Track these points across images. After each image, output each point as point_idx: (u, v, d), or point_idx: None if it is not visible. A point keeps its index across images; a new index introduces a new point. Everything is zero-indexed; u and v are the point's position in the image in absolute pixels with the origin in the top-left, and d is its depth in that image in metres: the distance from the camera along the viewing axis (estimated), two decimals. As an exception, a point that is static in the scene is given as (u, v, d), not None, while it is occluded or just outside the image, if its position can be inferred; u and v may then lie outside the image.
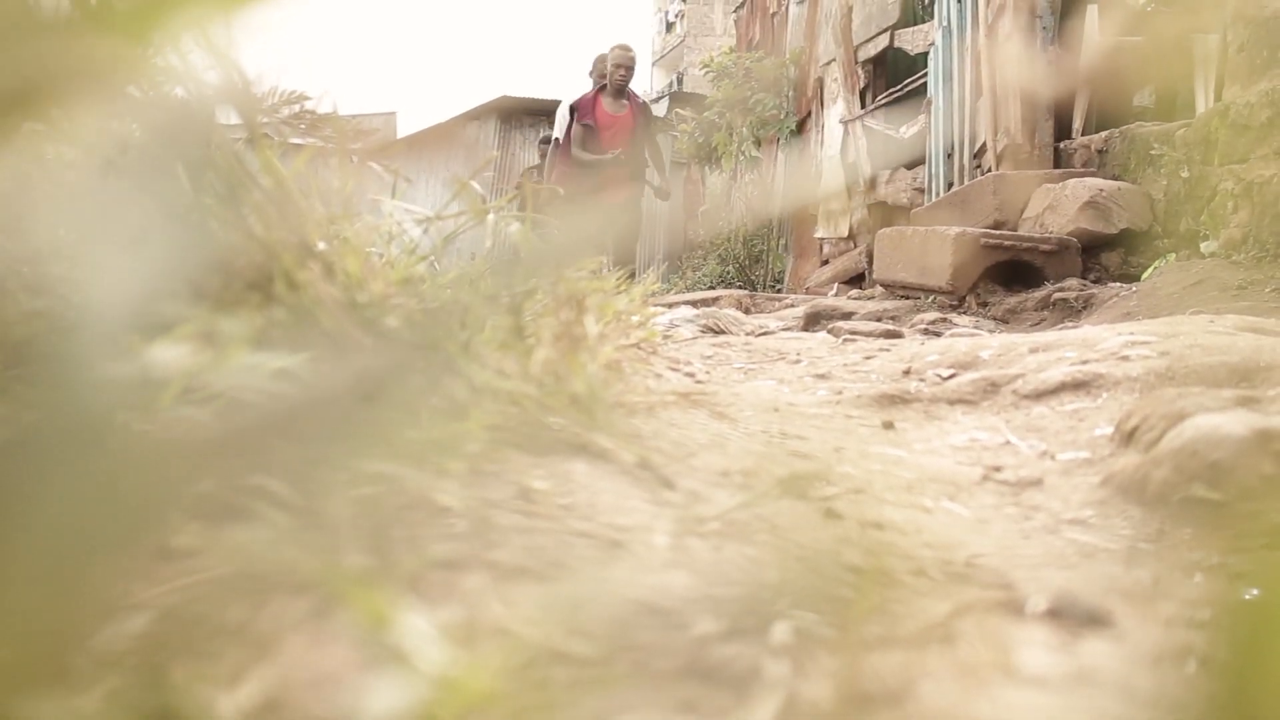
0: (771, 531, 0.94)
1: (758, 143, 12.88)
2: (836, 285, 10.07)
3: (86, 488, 0.48)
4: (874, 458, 1.46)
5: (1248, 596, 0.55)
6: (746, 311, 6.57)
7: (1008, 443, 1.60)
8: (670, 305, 5.51)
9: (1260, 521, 1.06)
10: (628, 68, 8.79)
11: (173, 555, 0.61)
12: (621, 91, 8.78)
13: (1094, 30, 6.86)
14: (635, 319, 2.06)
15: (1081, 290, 5.05)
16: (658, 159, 8.95)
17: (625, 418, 1.31)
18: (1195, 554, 1.02)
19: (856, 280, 9.87)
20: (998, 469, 1.41)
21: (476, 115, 18.65)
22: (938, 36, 8.55)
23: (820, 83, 11.71)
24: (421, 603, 0.59)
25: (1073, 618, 0.75)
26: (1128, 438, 1.42)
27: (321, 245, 1.14)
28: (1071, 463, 1.46)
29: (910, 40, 9.76)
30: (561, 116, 9.45)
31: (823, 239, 11.42)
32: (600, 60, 9.19)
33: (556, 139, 10.38)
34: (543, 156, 11.46)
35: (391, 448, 0.87)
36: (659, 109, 17.07)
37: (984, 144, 7.58)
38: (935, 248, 5.64)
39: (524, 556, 0.67)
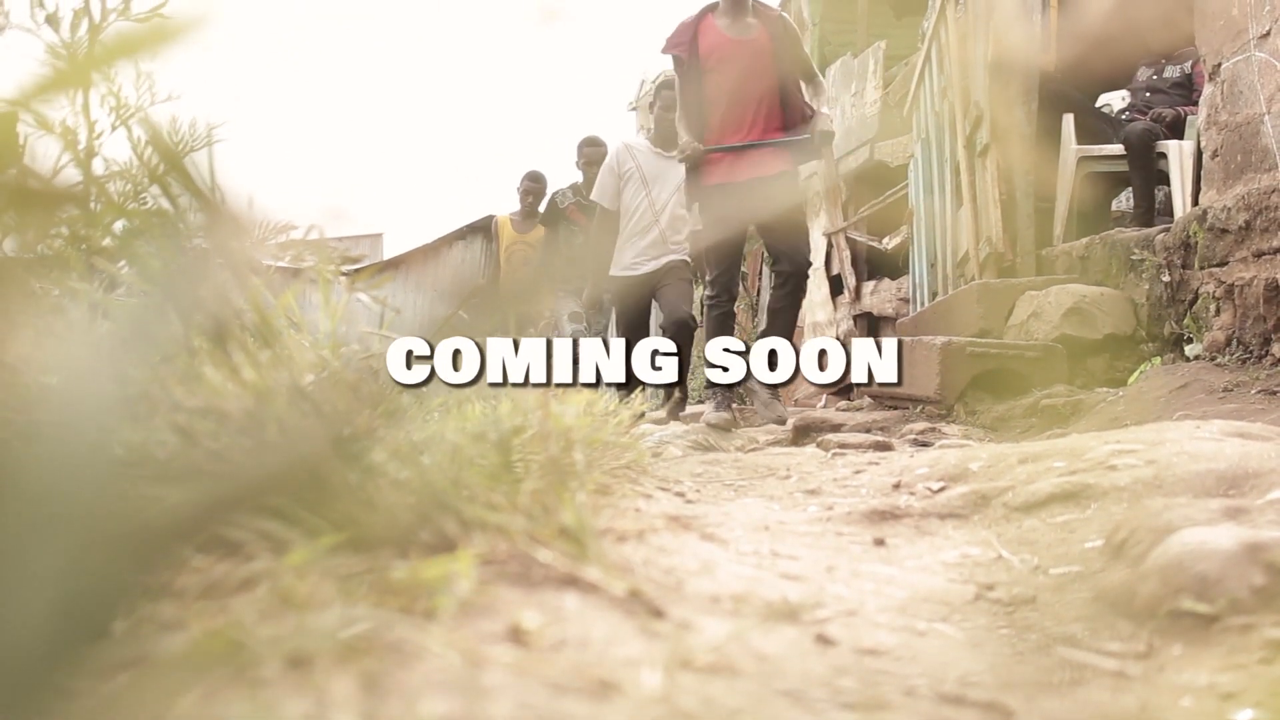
0: (763, 661, 0.93)
1: (744, 256, 13.00)
2: (825, 396, 10.09)
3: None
4: (866, 576, 1.46)
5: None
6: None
7: (1000, 557, 1.60)
8: (659, 421, 5.51)
9: (1253, 636, 1.06)
10: None
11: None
12: (741, 7, 5.37)
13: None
14: (625, 439, 2.07)
15: (1068, 396, 5.06)
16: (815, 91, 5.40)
17: (615, 545, 1.31)
18: (1184, 674, 1.02)
19: (845, 391, 9.90)
20: (990, 587, 1.41)
21: (462, 235, 18.78)
22: (916, 148, 8.70)
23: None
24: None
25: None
26: (1117, 551, 1.43)
27: (310, 378, 1.15)
28: (1063, 577, 1.46)
29: (890, 152, 9.93)
30: (604, 178, 6.36)
31: (810, 350, 11.46)
32: (587, 143, 6.88)
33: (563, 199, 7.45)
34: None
35: (379, 588, 0.87)
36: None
37: (966, 253, 7.67)
38: (922, 358, 5.68)
39: (515, 712, 0.67)
